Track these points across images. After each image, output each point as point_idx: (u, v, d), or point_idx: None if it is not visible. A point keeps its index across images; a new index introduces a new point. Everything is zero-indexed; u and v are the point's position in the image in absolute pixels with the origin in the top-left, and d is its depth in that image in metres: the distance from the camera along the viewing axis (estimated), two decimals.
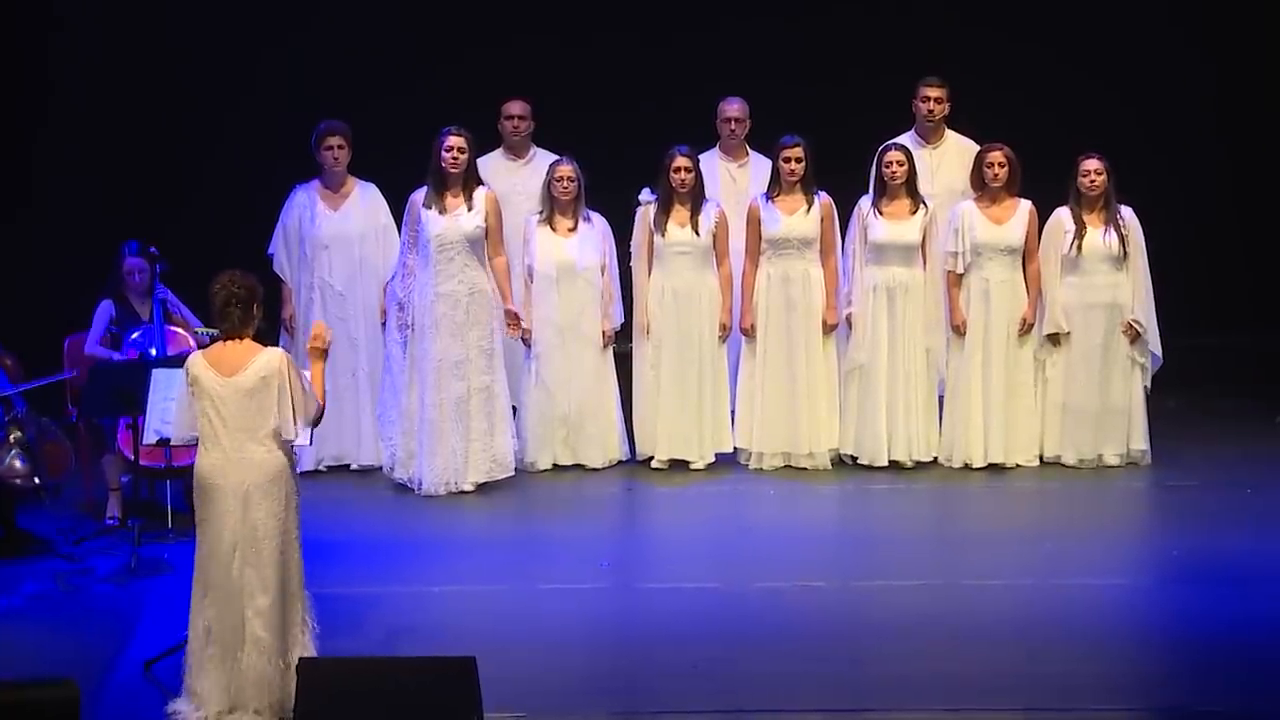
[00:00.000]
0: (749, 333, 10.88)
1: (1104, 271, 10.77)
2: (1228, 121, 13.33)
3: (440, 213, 10.52)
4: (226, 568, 7.24)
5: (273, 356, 7.26)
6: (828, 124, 11.71)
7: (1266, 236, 13.39)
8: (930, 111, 11.31)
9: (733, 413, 11.00)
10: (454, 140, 10.50)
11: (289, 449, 7.32)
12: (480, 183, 10.63)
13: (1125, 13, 13.14)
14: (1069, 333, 10.78)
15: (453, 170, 10.51)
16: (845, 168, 11.13)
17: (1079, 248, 10.73)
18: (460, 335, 10.51)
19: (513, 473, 10.66)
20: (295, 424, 7.27)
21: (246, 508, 7.23)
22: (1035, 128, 12.07)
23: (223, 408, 7.23)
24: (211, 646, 7.27)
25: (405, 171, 10.94)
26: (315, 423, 7.39)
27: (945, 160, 11.29)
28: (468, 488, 10.52)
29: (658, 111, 12.36)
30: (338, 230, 10.93)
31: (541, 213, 10.90)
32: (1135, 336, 10.77)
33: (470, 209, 10.51)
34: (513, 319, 10.60)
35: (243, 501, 7.23)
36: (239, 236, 11.47)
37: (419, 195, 10.60)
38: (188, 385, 7.30)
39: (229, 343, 7.30)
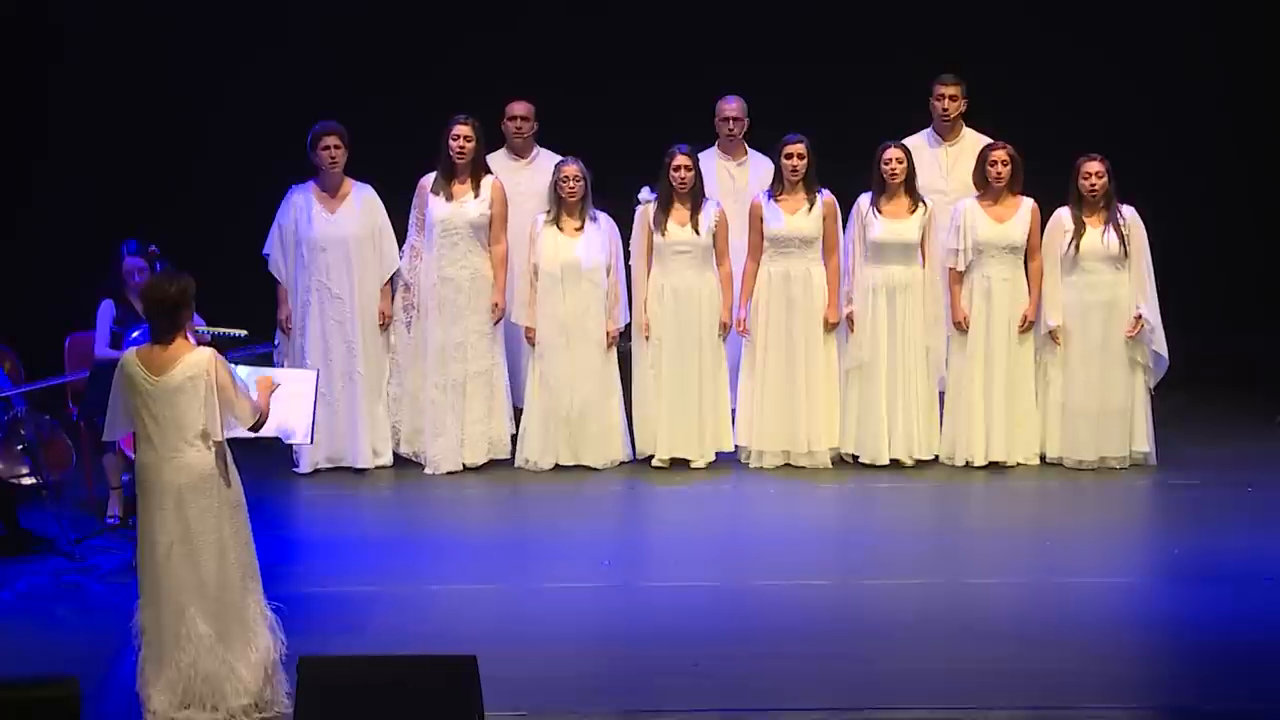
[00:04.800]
0: (740, 326, 10.85)
1: (1103, 271, 10.74)
2: (1240, 119, 13.32)
3: (447, 199, 10.77)
4: (163, 565, 7.28)
5: (200, 356, 7.26)
6: (829, 108, 11.72)
7: (1271, 237, 13.38)
8: (945, 109, 11.28)
9: (733, 411, 11.00)
10: (461, 129, 10.70)
11: (223, 448, 7.32)
12: (488, 171, 10.84)
13: (1139, 5, 13.12)
14: (1063, 327, 10.75)
15: (460, 159, 10.70)
16: (847, 153, 11.05)
17: (1077, 247, 10.71)
18: (460, 319, 10.78)
19: (509, 455, 10.88)
20: (223, 425, 7.26)
21: (180, 506, 7.25)
22: (1044, 119, 12.08)
23: (154, 406, 7.24)
24: (150, 644, 7.32)
25: (399, 168, 10.95)
26: (255, 426, 7.39)
27: (962, 158, 11.21)
28: (469, 464, 10.85)
29: (654, 105, 12.37)
30: (335, 233, 10.88)
31: (549, 212, 10.91)
32: (1138, 329, 10.71)
33: (477, 196, 10.75)
34: (496, 309, 10.81)
35: (175, 500, 7.25)
36: (236, 235, 11.47)
37: (428, 180, 10.82)
38: (121, 382, 7.31)
39: (156, 346, 7.30)
